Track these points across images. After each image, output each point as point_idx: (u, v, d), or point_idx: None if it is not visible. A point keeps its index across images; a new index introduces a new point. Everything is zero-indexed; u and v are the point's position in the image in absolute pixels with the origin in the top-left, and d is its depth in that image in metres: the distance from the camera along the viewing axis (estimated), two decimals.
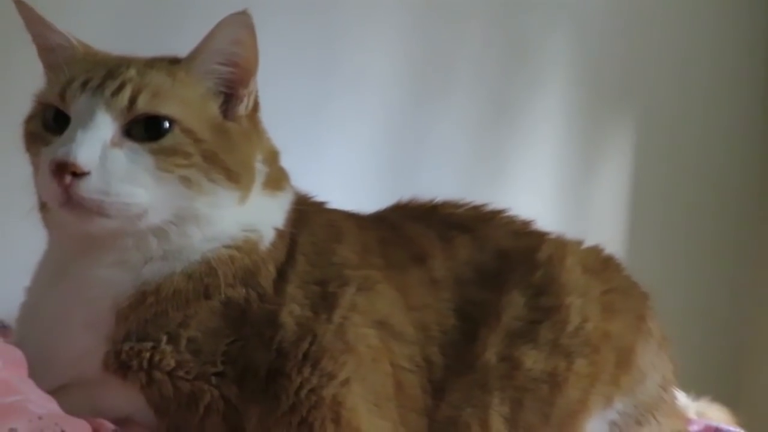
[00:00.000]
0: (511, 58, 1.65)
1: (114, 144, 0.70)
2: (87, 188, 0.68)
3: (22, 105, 0.78)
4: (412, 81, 1.53)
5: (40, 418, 0.59)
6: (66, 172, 0.68)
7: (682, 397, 1.00)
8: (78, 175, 0.68)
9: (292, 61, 1.35)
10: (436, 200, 0.95)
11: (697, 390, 1.14)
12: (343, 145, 1.44)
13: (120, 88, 0.71)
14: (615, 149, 1.77)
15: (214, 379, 0.72)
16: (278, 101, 0.84)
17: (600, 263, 0.93)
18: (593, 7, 1.71)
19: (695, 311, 1.69)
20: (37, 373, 0.71)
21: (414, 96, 1.53)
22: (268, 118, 0.84)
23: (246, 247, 0.76)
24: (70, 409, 0.68)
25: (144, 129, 0.71)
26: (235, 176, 0.75)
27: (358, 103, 1.46)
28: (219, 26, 0.74)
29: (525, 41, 1.66)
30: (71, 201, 0.69)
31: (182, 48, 0.78)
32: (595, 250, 0.95)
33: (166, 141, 0.71)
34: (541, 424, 0.82)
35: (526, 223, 0.95)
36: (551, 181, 1.69)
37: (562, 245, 0.92)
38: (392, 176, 1.48)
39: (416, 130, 1.53)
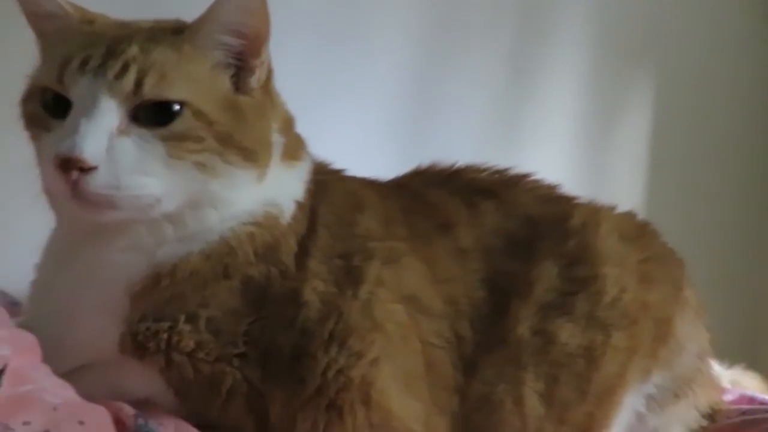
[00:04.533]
0: (526, 15, 1.59)
1: (121, 132, 0.66)
2: (95, 183, 0.64)
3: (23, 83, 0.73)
4: (424, 41, 1.48)
5: (55, 409, 0.56)
6: (72, 168, 0.63)
7: (716, 366, 0.97)
8: (85, 170, 0.64)
9: (302, 25, 1.30)
10: (457, 165, 0.91)
11: (720, 357, 1.12)
12: (355, 109, 1.40)
13: (124, 69, 0.66)
14: (634, 108, 1.71)
15: (235, 361, 0.69)
16: (288, 66, 0.79)
17: (636, 230, 0.89)
18: None
19: (718, 277, 1.65)
20: (51, 355, 0.68)
21: (426, 57, 1.48)
22: (278, 85, 0.78)
23: (266, 223, 0.73)
24: (88, 392, 0.65)
25: (152, 113, 0.67)
26: (252, 155, 0.71)
27: (369, 66, 1.41)
28: None
29: None
30: (79, 195, 0.65)
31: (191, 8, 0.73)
32: (630, 216, 0.91)
33: (177, 126, 0.67)
34: (577, 399, 0.79)
35: (552, 188, 0.91)
36: (568, 142, 1.65)
37: (595, 212, 0.88)
38: (406, 140, 1.44)
39: (429, 92, 1.49)
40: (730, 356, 1.10)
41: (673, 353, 0.84)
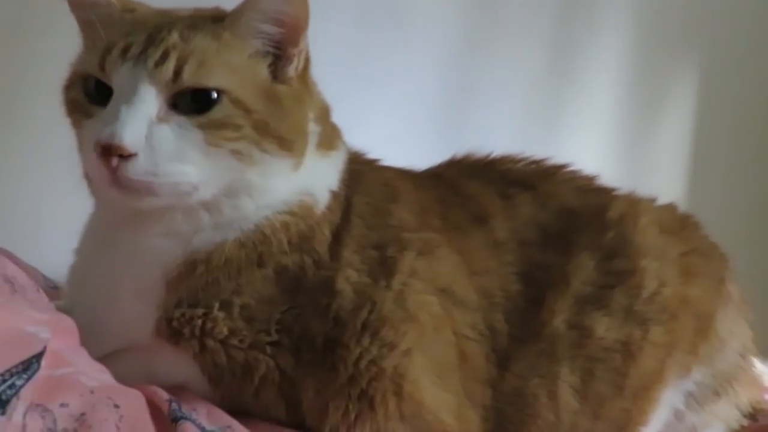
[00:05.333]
0: (565, 2, 1.55)
1: (160, 119, 0.66)
2: (135, 170, 0.65)
3: (65, 70, 0.74)
4: (463, 27, 1.46)
5: (92, 392, 0.57)
6: (112, 154, 0.64)
7: (758, 364, 0.95)
8: (125, 157, 0.64)
9: (338, 11, 1.29)
10: (493, 155, 0.90)
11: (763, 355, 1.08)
12: (392, 96, 1.39)
13: (163, 57, 0.66)
14: (677, 97, 1.67)
15: (269, 349, 0.69)
16: (325, 54, 0.78)
17: (677, 222, 0.87)
18: None
19: (762, 273, 1.60)
20: (88, 339, 0.69)
21: (465, 42, 1.46)
22: (315, 72, 0.78)
23: (301, 212, 0.73)
24: (123, 376, 0.66)
25: (191, 100, 0.67)
26: (288, 144, 0.70)
27: (406, 52, 1.40)
28: None
29: None
30: (119, 182, 0.66)
31: None
32: (671, 208, 0.89)
33: (215, 114, 0.67)
34: (613, 395, 0.77)
35: (590, 179, 0.89)
36: (608, 132, 1.61)
37: (634, 203, 0.86)
38: (443, 127, 1.43)
39: (467, 79, 1.47)
40: None
41: (714, 350, 0.82)
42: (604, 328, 0.77)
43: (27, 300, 0.64)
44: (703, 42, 1.67)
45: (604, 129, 1.60)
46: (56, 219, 0.98)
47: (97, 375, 0.61)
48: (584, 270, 0.79)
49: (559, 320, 0.77)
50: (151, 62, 0.66)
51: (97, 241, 0.76)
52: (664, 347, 0.79)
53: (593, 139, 1.58)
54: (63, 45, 0.74)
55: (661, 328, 0.79)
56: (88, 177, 0.73)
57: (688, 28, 1.65)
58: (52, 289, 0.96)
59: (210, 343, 0.69)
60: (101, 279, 0.73)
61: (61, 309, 0.73)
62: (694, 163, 1.67)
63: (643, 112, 1.64)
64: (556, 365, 0.76)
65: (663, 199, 0.91)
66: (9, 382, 0.52)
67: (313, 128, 0.75)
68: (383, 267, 0.73)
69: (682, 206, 0.93)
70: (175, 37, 0.68)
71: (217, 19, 0.71)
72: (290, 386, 0.69)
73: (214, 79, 0.67)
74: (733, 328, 0.85)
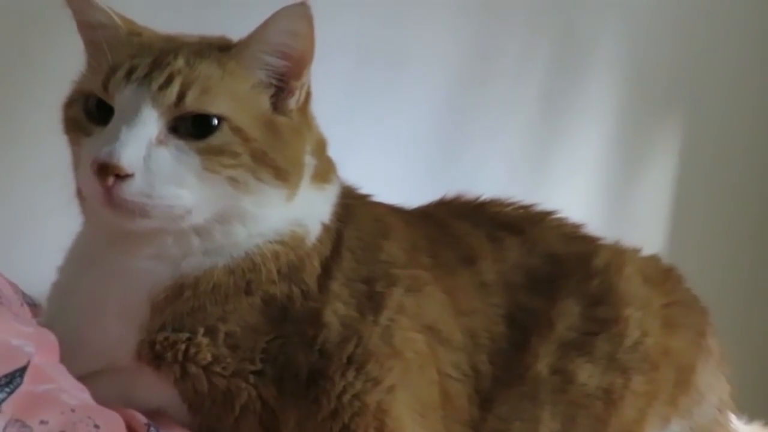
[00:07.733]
0: (558, 55, 1.60)
1: (159, 142, 0.66)
2: (130, 191, 0.65)
3: (60, 89, 0.74)
4: (456, 74, 1.49)
5: (72, 410, 0.56)
6: (109, 173, 0.64)
7: (734, 420, 0.95)
8: (121, 176, 0.64)
9: (338, 50, 1.31)
10: (482, 197, 0.91)
11: (739, 411, 1.09)
12: (384, 134, 1.40)
13: (168, 81, 0.67)
14: (660, 151, 1.71)
15: (251, 378, 0.69)
16: (321, 89, 0.79)
17: (661, 274, 0.88)
18: (643, 5, 1.66)
19: (737, 325, 1.63)
20: (68, 357, 0.68)
21: (459, 88, 1.49)
22: (313, 106, 0.79)
23: (292, 242, 0.73)
24: (101, 397, 0.65)
25: (191, 125, 0.67)
26: (284, 174, 0.71)
27: (401, 93, 1.42)
28: (276, 17, 0.70)
29: (572, 38, 1.61)
30: (113, 201, 0.65)
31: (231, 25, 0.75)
32: (655, 260, 0.91)
33: (214, 140, 0.67)
34: None
35: (576, 227, 0.91)
36: (592, 182, 1.64)
37: (619, 253, 0.87)
38: (433, 169, 1.45)
39: (457, 125, 1.49)
40: (750, 410, 1.08)
41: (693, 402, 0.83)
42: (587, 374, 0.78)
43: (12, 313, 0.63)
44: (686, 101, 1.72)
45: (590, 179, 1.63)
46: (39, 236, 0.98)
47: (78, 394, 0.60)
48: (569, 316, 0.80)
49: (543, 364, 0.77)
50: (155, 85, 0.67)
51: (84, 259, 0.75)
52: (645, 397, 0.80)
53: (579, 187, 1.60)
54: (58, 63, 0.74)
55: (642, 378, 0.79)
56: (80, 195, 0.73)
57: (673, 87, 1.70)
58: (31, 306, 0.94)
59: (192, 368, 0.68)
60: (85, 298, 0.73)
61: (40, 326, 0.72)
62: (674, 216, 1.70)
63: (627, 165, 1.67)
64: (538, 409, 0.76)
65: (644, 251, 0.93)
66: None
67: (309, 161, 0.75)
68: (371, 302, 0.73)
69: (662, 258, 0.94)
70: (180, 62, 0.68)
71: (223, 47, 0.72)
72: (271, 417, 0.69)
73: (216, 105, 0.68)
74: (712, 382, 0.86)
